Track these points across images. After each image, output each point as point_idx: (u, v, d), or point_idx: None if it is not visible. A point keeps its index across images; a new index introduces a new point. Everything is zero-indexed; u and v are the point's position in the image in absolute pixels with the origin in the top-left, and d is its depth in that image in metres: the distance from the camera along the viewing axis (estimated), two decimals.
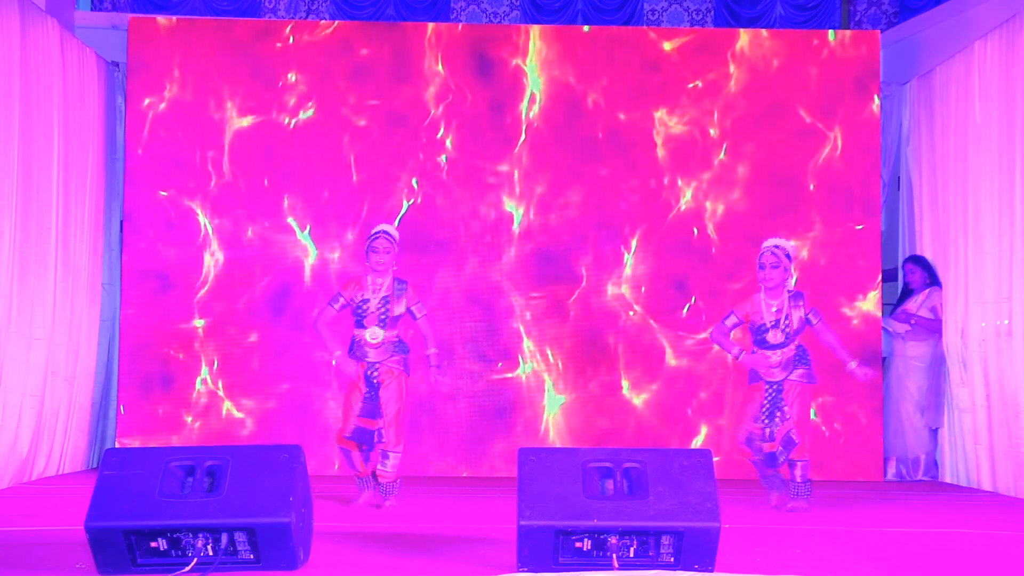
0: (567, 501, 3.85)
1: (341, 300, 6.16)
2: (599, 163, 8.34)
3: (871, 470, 8.17)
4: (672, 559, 3.84)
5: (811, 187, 8.34)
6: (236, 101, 8.29)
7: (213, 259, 8.20)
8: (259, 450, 4.10)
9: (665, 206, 8.32)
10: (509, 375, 8.23)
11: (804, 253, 8.28)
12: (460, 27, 8.62)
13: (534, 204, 8.31)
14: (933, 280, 8.12)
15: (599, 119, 8.37)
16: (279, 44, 8.34)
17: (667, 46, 8.44)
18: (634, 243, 8.28)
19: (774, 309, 6.16)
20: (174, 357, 8.13)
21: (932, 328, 8.09)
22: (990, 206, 7.34)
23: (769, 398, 6.13)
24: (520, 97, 8.36)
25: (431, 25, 8.51)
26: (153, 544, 3.81)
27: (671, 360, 8.21)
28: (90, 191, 7.93)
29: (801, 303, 6.17)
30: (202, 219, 8.22)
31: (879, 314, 8.28)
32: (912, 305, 8.19)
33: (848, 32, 8.60)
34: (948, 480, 8.00)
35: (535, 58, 8.38)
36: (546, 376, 8.22)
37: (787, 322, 6.12)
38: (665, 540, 3.84)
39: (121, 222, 8.42)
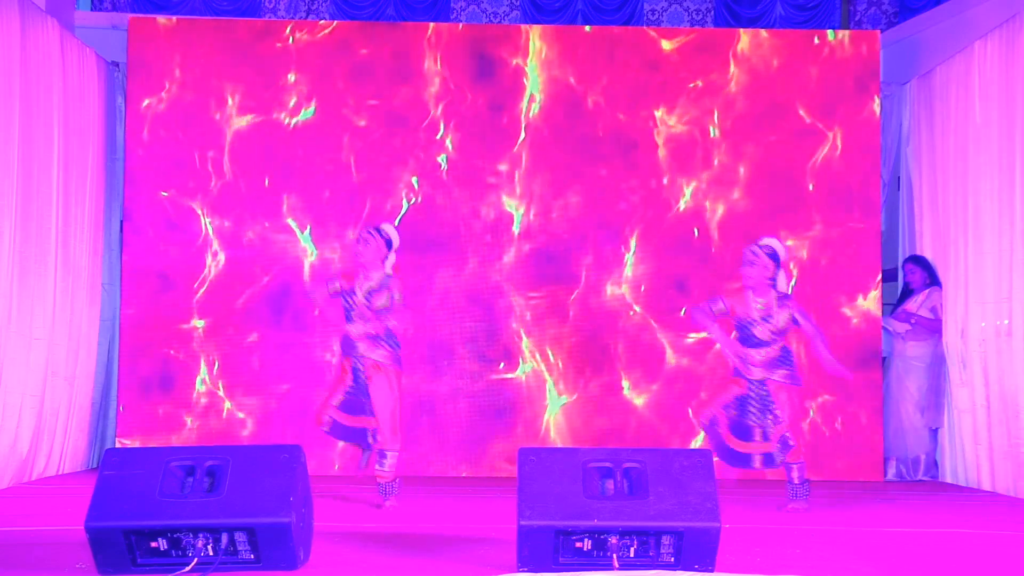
0: (567, 501, 3.85)
1: (336, 284, 6.22)
2: (599, 163, 8.34)
3: (871, 470, 8.17)
4: (672, 559, 3.84)
5: (811, 187, 8.34)
6: (236, 101, 8.29)
7: (213, 259, 8.20)
8: (259, 450, 4.10)
9: (665, 206, 8.32)
10: (509, 375, 8.23)
11: (804, 253, 8.28)
12: (460, 27, 8.62)
13: (534, 204, 8.31)
14: (933, 280, 8.12)
15: (599, 119, 8.37)
16: (279, 44, 8.34)
17: (667, 46, 8.44)
18: (634, 243, 8.28)
19: (760, 306, 6.18)
20: (174, 357, 8.13)
21: (932, 328, 8.09)
22: (990, 206, 7.34)
23: (755, 396, 6.16)
24: (520, 97, 8.36)
25: (431, 25, 8.51)
26: (153, 544, 3.82)
27: (671, 360, 8.21)
28: (90, 191, 7.93)
29: (788, 303, 6.17)
30: (202, 219, 8.22)
31: (879, 314, 8.28)
32: (912, 305, 8.19)
33: (848, 32, 8.60)
34: (948, 480, 8.00)
35: (535, 58, 8.38)
36: (546, 376, 8.22)
37: (773, 321, 6.13)
38: (665, 540, 3.84)
39: (121, 222, 8.42)
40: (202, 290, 8.18)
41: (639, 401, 8.19)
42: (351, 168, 8.29)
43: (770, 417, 6.12)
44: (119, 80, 8.45)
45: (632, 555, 3.85)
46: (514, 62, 8.38)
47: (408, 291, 8.15)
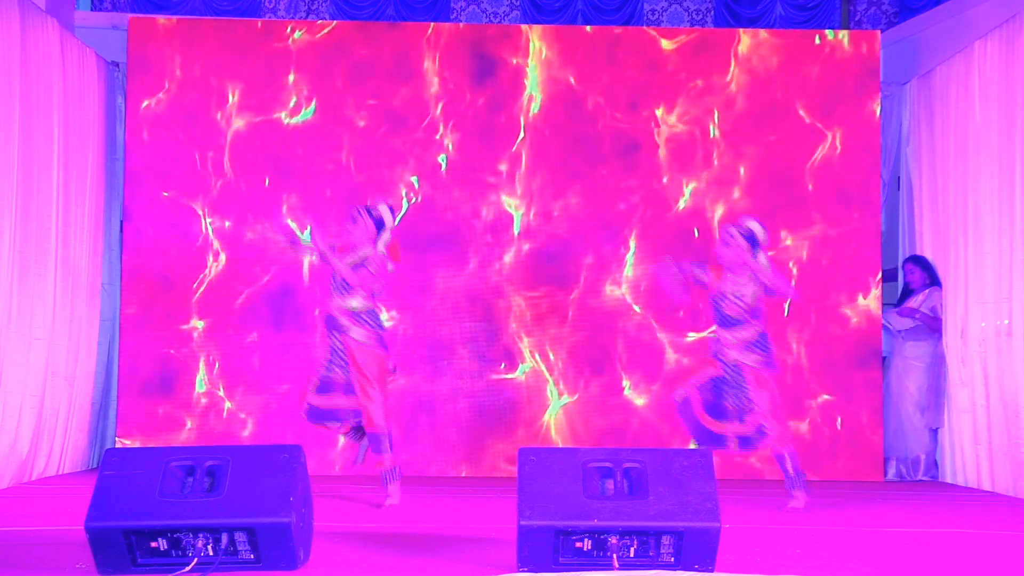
0: (567, 501, 3.85)
1: (335, 243, 6.26)
2: (599, 163, 8.34)
3: (871, 470, 8.17)
4: (672, 559, 3.84)
5: (811, 187, 8.34)
6: (236, 101, 8.29)
7: (213, 259, 8.20)
8: (259, 450, 4.10)
9: (665, 206, 8.32)
10: (509, 375, 8.23)
11: (804, 253, 8.28)
12: (460, 27, 8.63)
13: (534, 204, 8.31)
14: (933, 280, 8.12)
15: (599, 119, 8.37)
16: (279, 44, 8.34)
17: (667, 46, 8.44)
18: (633, 243, 8.27)
19: (734, 282, 6.21)
20: (174, 357, 8.13)
21: (932, 328, 8.09)
22: (990, 206, 7.33)
23: (730, 378, 6.20)
24: (520, 97, 8.36)
25: (431, 25, 8.51)
26: (153, 544, 3.81)
27: (671, 360, 8.21)
28: (90, 191, 7.93)
29: (761, 282, 6.19)
30: (202, 219, 8.22)
31: (879, 313, 8.28)
32: (912, 305, 8.19)
33: (848, 32, 8.60)
34: (948, 480, 8.00)
35: (535, 58, 8.38)
36: (546, 376, 8.22)
37: (743, 297, 6.15)
38: (665, 540, 3.84)
39: (121, 222, 8.42)
40: (202, 290, 8.18)
41: (639, 401, 8.19)
42: (351, 168, 8.29)
43: (745, 400, 6.14)
44: (119, 80, 8.45)
45: (632, 555, 3.85)
46: (514, 62, 8.38)
47: (408, 291, 8.21)
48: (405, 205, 8.27)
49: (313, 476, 4.30)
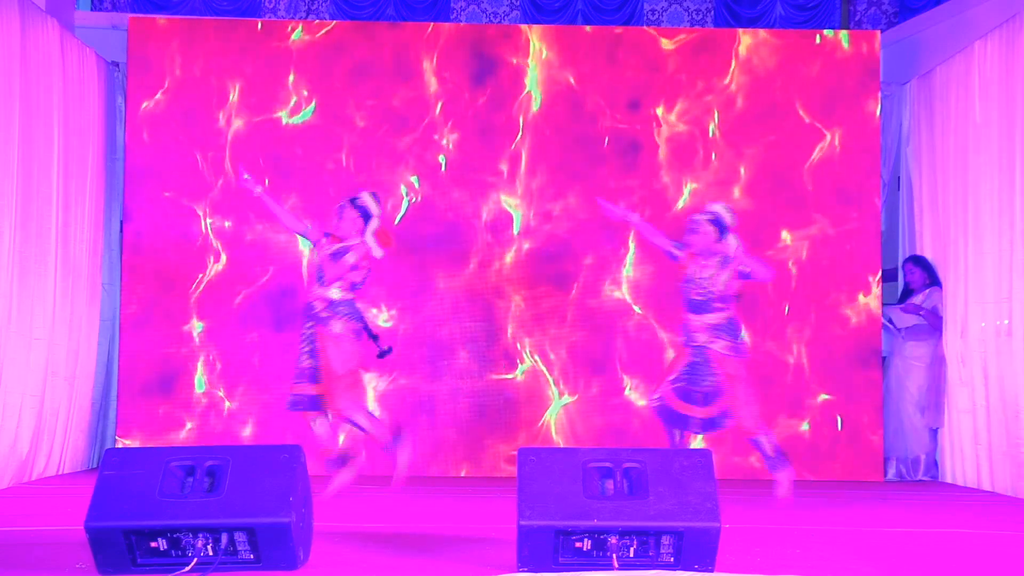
0: (567, 501, 3.85)
1: (314, 229, 6.40)
2: (599, 163, 8.34)
3: (871, 470, 8.17)
4: (672, 559, 3.84)
5: (811, 187, 8.34)
6: (236, 101, 8.29)
7: (213, 259, 8.20)
8: (259, 450, 4.10)
9: (665, 206, 8.32)
10: (509, 375, 8.23)
11: (804, 253, 8.29)
12: (460, 27, 8.63)
13: (534, 204, 8.31)
14: (933, 280, 8.12)
15: (599, 119, 8.37)
16: (279, 44, 8.34)
17: (667, 46, 8.44)
18: (633, 243, 8.27)
19: (702, 267, 6.30)
20: (174, 357, 8.13)
21: (933, 327, 8.09)
22: (990, 206, 7.33)
23: (698, 361, 6.26)
24: (520, 97, 8.36)
25: (431, 25, 8.51)
26: (153, 544, 3.81)
27: (672, 360, 8.20)
28: (90, 191, 7.93)
29: (730, 264, 6.25)
30: (202, 219, 8.22)
31: (879, 313, 8.28)
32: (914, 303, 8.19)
33: (848, 32, 8.60)
34: (948, 480, 8.00)
35: (535, 58, 8.38)
36: (546, 376, 8.23)
37: (713, 282, 6.21)
38: (665, 540, 3.84)
39: (121, 222, 8.42)
40: (201, 290, 8.18)
41: (640, 401, 8.19)
42: (351, 168, 8.29)
43: (711, 384, 6.19)
44: (119, 80, 8.45)
45: (632, 555, 3.85)
46: (514, 62, 8.38)
47: (408, 291, 8.21)
48: (405, 205, 8.27)
49: (313, 476, 4.30)
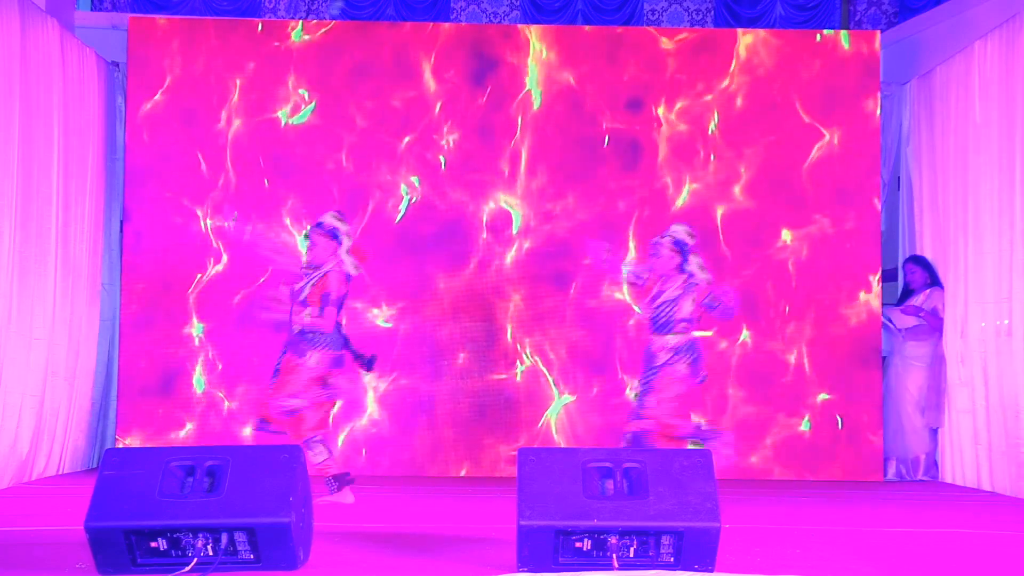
0: (567, 501, 3.85)
1: (287, 289, 6.36)
2: (599, 163, 8.34)
3: (871, 470, 8.17)
4: (672, 559, 3.84)
5: (811, 187, 8.34)
6: (236, 101, 8.29)
7: (213, 259, 8.20)
8: (259, 450, 4.10)
9: (665, 206, 8.32)
10: (509, 375, 8.23)
11: (804, 252, 8.29)
12: (460, 27, 8.63)
13: (534, 204, 8.31)
14: (934, 280, 8.12)
15: (599, 119, 8.37)
16: (279, 44, 8.34)
17: (667, 46, 8.44)
18: (633, 243, 8.27)
19: (665, 289, 6.36)
20: (174, 357, 8.13)
21: (933, 327, 8.09)
22: (990, 206, 7.34)
23: (650, 377, 6.35)
24: (520, 97, 8.36)
25: (431, 25, 8.51)
26: (153, 544, 3.81)
27: None
28: (90, 191, 7.93)
29: (695, 290, 6.32)
30: (202, 219, 8.22)
31: (879, 313, 8.27)
32: (914, 304, 8.18)
33: (848, 32, 8.60)
34: (948, 480, 8.00)
35: (535, 58, 8.38)
36: (546, 376, 8.23)
37: (677, 307, 6.28)
38: (665, 540, 3.84)
39: (121, 222, 8.42)
40: (202, 290, 8.18)
41: None
42: (351, 168, 8.29)
43: (646, 382, 6.33)
44: (119, 80, 8.45)
45: (632, 555, 3.85)
46: (514, 62, 8.38)
47: (408, 291, 8.21)
48: (405, 204, 8.27)
49: (313, 476, 4.30)
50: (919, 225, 8.44)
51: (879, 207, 8.43)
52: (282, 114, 8.31)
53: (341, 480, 6.09)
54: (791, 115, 8.37)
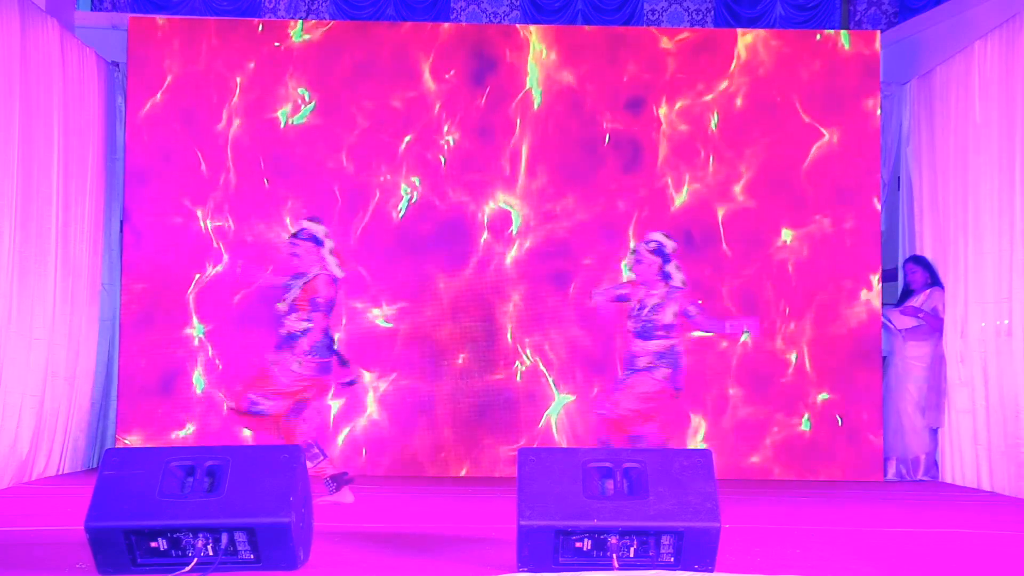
0: (567, 501, 3.85)
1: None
2: (599, 163, 8.34)
3: (871, 470, 8.17)
4: (672, 559, 3.84)
5: (810, 186, 8.34)
6: (236, 101, 8.29)
7: (213, 259, 8.20)
8: (259, 450, 4.10)
9: (665, 205, 8.32)
10: (509, 375, 8.23)
11: (804, 252, 8.29)
12: (460, 27, 8.62)
13: (534, 204, 8.31)
14: (934, 280, 8.11)
15: (599, 119, 8.36)
16: (279, 44, 8.34)
17: (667, 45, 8.44)
18: (633, 243, 8.27)
19: (648, 295, 6.38)
20: (174, 357, 8.13)
21: (933, 328, 8.09)
22: (990, 206, 7.34)
23: (626, 376, 6.39)
24: (520, 97, 8.36)
25: (431, 25, 8.51)
26: (153, 544, 3.81)
27: None
28: (90, 191, 7.93)
29: (677, 296, 6.36)
30: (202, 219, 8.22)
31: (879, 312, 8.27)
32: (914, 305, 8.18)
33: (848, 32, 8.60)
34: (948, 480, 8.00)
35: (535, 58, 8.38)
36: (546, 376, 8.22)
37: (659, 313, 6.30)
38: (665, 540, 3.84)
39: (121, 222, 8.42)
40: (202, 290, 8.18)
41: None
42: (351, 168, 8.29)
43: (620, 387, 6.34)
44: (119, 80, 8.45)
45: (632, 555, 3.85)
46: (514, 62, 8.38)
47: (408, 291, 8.21)
48: (405, 204, 8.27)
49: (313, 476, 4.30)
50: (919, 225, 8.44)
51: (879, 207, 8.43)
52: (282, 114, 8.31)
53: (339, 480, 6.08)
54: (791, 115, 8.37)
